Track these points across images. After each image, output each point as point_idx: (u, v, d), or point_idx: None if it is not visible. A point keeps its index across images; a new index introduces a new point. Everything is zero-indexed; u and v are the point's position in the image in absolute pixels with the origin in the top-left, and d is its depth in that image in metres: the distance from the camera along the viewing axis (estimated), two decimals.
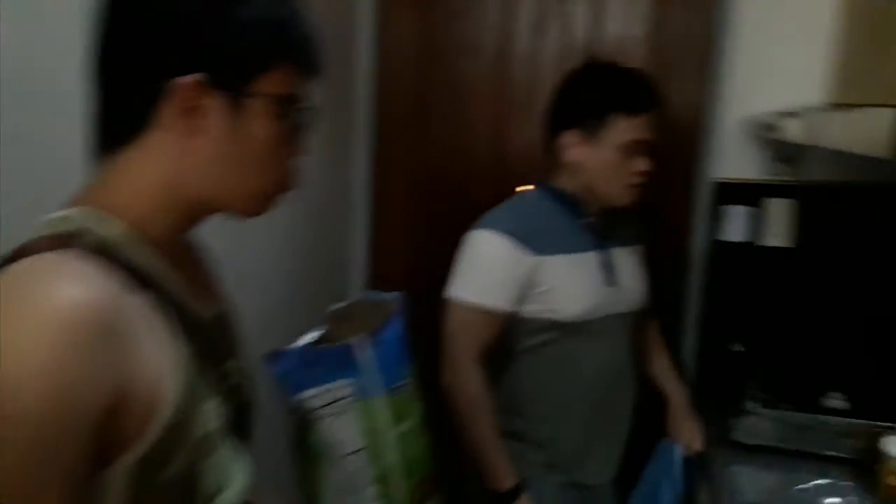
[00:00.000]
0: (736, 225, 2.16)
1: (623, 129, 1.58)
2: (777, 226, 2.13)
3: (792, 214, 2.12)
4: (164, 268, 0.79)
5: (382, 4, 2.41)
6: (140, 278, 0.74)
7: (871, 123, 1.33)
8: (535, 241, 1.61)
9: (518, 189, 1.78)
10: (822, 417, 1.77)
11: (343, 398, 1.09)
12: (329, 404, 1.09)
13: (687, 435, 1.83)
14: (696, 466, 1.79)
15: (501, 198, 1.75)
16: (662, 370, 1.92)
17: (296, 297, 2.02)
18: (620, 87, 1.61)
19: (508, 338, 1.67)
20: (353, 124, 2.45)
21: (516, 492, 1.61)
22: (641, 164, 1.60)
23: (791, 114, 1.67)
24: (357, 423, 1.10)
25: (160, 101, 0.76)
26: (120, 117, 0.79)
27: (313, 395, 1.09)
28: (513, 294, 1.61)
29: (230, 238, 1.54)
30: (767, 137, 1.99)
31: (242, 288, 1.62)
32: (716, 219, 2.17)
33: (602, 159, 1.60)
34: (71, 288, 0.65)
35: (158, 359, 0.72)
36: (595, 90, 1.61)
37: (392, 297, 1.23)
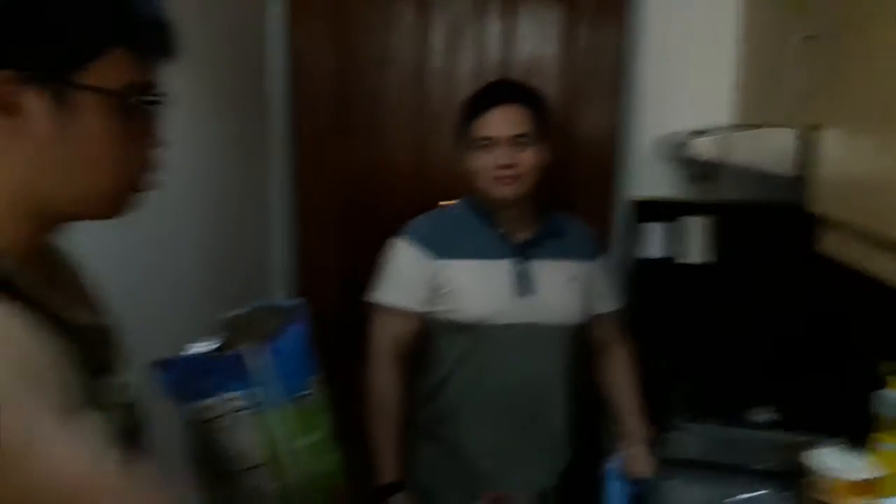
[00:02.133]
0: (655, 242, 2.19)
1: (474, 130, 1.70)
2: (695, 242, 2.17)
3: (708, 231, 2.17)
4: (26, 276, 0.73)
5: (293, 12, 2.39)
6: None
7: (774, 143, 1.38)
8: (440, 246, 1.74)
9: (441, 203, 1.92)
10: (748, 431, 1.79)
11: (236, 409, 1.02)
12: (221, 416, 1.02)
13: (636, 462, 1.84)
14: (643, 492, 1.80)
15: (424, 207, 1.86)
16: (622, 398, 1.91)
17: (206, 309, 1.96)
18: (473, 96, 1.77)
19: (430, 344, 1.79)
20: (268, 134, 2.42)
21: (395, 488, 1.72)
22: (499, 157, 1.68)
23: (701, 133, 1.71)
24: (254, 436, 1.03)
25: None
26: None
27: (205, 406, 1.02)
28: (419, 295, 1.74)
29: (128, 251, 1.49)
30: (680, 156, 2.03)
31: (141, 300, 1.57)
32: (635, 237, 2.20)
33: (471, 160, 1.72)
34: None
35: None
36: (462, 107, 1.77)
37: (293, 304, 1.16)
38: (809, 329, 2.07)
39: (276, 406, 1.04)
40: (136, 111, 0.77)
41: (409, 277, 1.75)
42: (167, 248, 1.79)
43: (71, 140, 0.73)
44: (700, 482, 1.71)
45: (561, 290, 1.78)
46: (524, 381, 1.75)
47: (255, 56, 2.33)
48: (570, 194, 2.32)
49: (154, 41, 0.78)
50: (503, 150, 1.68)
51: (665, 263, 2.19)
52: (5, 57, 0.69)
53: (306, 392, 1.08)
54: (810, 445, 1.55)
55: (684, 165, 2.14)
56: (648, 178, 2.19)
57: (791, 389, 1.91)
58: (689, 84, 2.12)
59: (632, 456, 1.84)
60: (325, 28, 2.40)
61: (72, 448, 0.67)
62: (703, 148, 1.52)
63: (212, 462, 1.05)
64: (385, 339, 1.76)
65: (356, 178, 2.46)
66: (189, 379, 1.03)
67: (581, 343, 1.86)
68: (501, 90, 1.77)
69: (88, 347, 0.79)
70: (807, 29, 1.40)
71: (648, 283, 2.21)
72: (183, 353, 1.06)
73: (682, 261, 2.18)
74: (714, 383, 1.98)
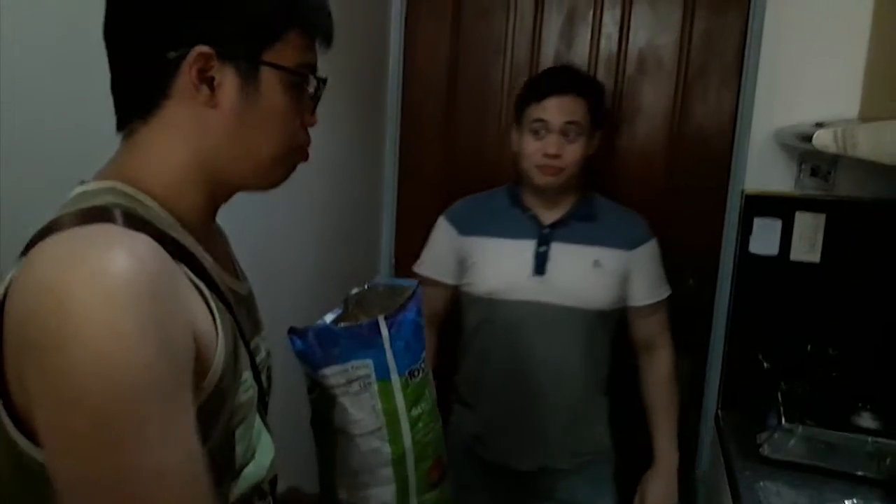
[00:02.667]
0: (766, 238, 2.13)
1: (528, 114, 1.79)
2: (807, 240, 2.09)
3: (822, 229, 2.09)
4: (195, 243, 0.79)
5: (411, 10, 2.45)
6: (177, 253, 0.73)
7: None
8: (470, 224, 1.91)
9: None
10: (851, 436, 1.73)
11: (361, 377, 1.09)
12: (347, 383, 1.09)
13: (657, 498, 1.88)
14: None
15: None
16: (655, 414, 1.94)
17: (325, 286, 2.08)
18: (532, 80, 1.91)
19: (462, 314, 1.96)
20: (382, 126, 2.49)
21: None
22: (548, 146, 1.75)
23: (823, 125, 1.65)
24: (374, 403, 1.10)
25: (172, 75, 0.76)
26: (134, 93, 0.79)
27: (332, 374, 1.09)
28: (449, 268, 1.93)
29: (260, 224, 1.59)
30: (799, 149, 1.96)
31: (271, 271, 1.68)
32: (746, 231, 2.14)
33: (521, 143, 1.81)
34: (121, 248, 0.64)
35: (207, 320, 0.72)
36: (524, 86, 1.89)
37: (408, 283, 1.23)
38: None
39: (396, 377, 1.11)
40: (302, 89, 0.84)
41: (441, 252, 1.95)
42: (294, 230, 1.91)
43: (253, 112, 0.80)
44: (799, 486, 1.67)
45: (580, 273, 1.82)
46: (533, 360, 1.83)
47: (377, 52, 2.40)
48: (683, 184, 2.27)
49: (321, 26, 0.85)
50: (553, 138, 1.75)
51: (775, 260, 2.12)
52: (204, 34, 0.76)
53: (419, 365, 1.15)
54: None
55: (804, 159, 2.06)
56: (765, 172, 2.12)
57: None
58: (814, 74, 2.03)
59: (650, 492, 1.88)
60: (441, 18, 2.42)
61: (177, 446, 0.64)
62: (825, 140, 1.46)
63: (334, 425, 1.12)
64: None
65: (460, 168, 2.48)
66: (321, 347, 1.10)
67: (614, 333, 1.92)
68: (561, 78, 1.84)
69: (244, 315, 0.85)
70: None
71: (757, 280, 2.14)
72: (316, 324, 1.14)
73: (792, 258, 2.11)
74: (819, 385, 1.91)
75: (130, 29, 0.78)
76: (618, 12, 2.29)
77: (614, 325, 1.91)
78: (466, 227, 1.91)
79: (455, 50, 2.43)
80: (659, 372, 1.94)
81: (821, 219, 2.09)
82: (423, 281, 1.86)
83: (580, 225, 1.85)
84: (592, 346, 1.86)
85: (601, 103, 1.85)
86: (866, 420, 1.76)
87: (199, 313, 0.71)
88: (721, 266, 2.24)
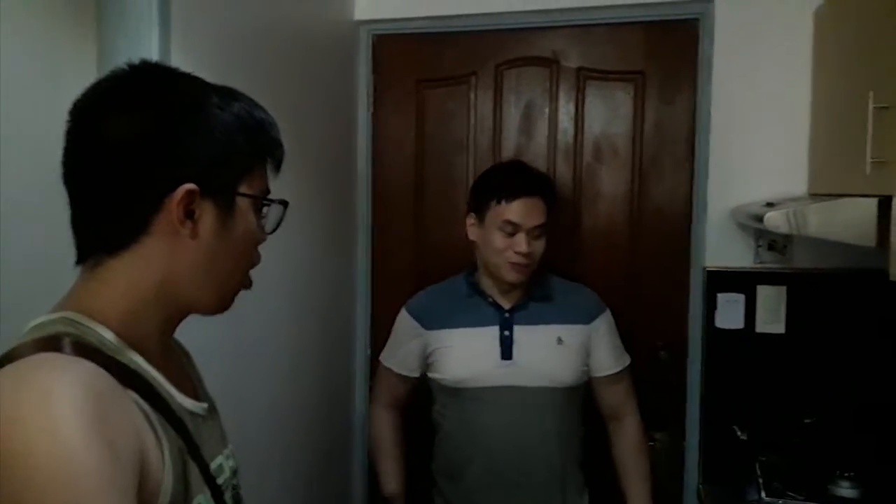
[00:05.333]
0: (730, 312, 2.19)
1: (498, 212, 1.86)
2: (770, 312, 2.16)
3: (784, 301, 2.16)
4: (149, 367, 0.82)
5: (376, 110, 2.54)
6: (125, 378, 0.76)
7: (852, 213, 1.39)
8: (432, 317, 1.97)
9: None
10: None
11: None
12: None
13: None
14: None
15: None
16: (629, 484, 1.98)
17: (299, 381, 2.14)
18: (499, 177, 1.95)
19: (432, 400, 2.02)
20: (354, 219, 2.55)
21: (388, 501, 2.02)
22: (519, 245, 1.83)
23: (774, 205, 1.73)
24: None
25: (155, 213, 0.81)
26: (115, 227, 0.82)
27: None
28: (413, 363, 2.01)
29: (232, 332, 1.60)
30: (754, 227, 2.04)
31: (244, 382, 1.67)
32: (711, 306, 2.21)
33: (487, 238, 1.88)
34: (65, 373, 0.68)
35: (154, 446, 0.75)
36: (484, 181, 1.98)
37: None
38: (891, 397, 2.02)
39: None
40: (265, 214, 0.91)
41: (404, 346, 2.02)
42: (268, 332, 1.93)
43: (228, 239, 0.86)
44: None
45: (546, 353, 1.89)
46: (513, 444, 1.86)
47: (345, 153, 2.48)
48: (647, 264, 2.34)
49: (278, 157, 0.92)
50: (522, 238, 1.84)
51: (742, 333, 2.18)
52: (188, 174, 0.81)
53: None
54: None
55: (760, 234, 2.15)
56: (725, 248, 2.21)
57: (874, 462, 1.86)
58: (763, 154, 2.14)
59: None
60: (407, 121, 2.52)
61: None
62: (777, 221, 1.54)
63: None
64: (383, 391, 2.10)
65: (431, 259, 2.50)
66: None
67: (582, 407, 1.98)
68: (525, 180, 1.93)
69: (200, 435, 0.87)
70: (879, 99, 1.43)
71: (726, 354, 2.20)
72: None
73: (758, 330, 2.17)
74: (796, 455, 1.94)
75: (111, 172, 0.81)
76: (572, 106, 2.39)
77: (581, 399, 1.97)
78: (430, 321, 1.98)
79: (421, 148, 2.52)
80: (629, 440, 1.99)
81: (782, 291, 2.17)
82: (385, 368, 2.07)
83: (538, 305, 1.92)
84: (564, 423, 1.91)
85: (556, 203, 1.98)
86: (846, 489, 1.79)
87: (146, 438, 0.74)
88: (690, 341, 2.29)
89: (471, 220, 1.94)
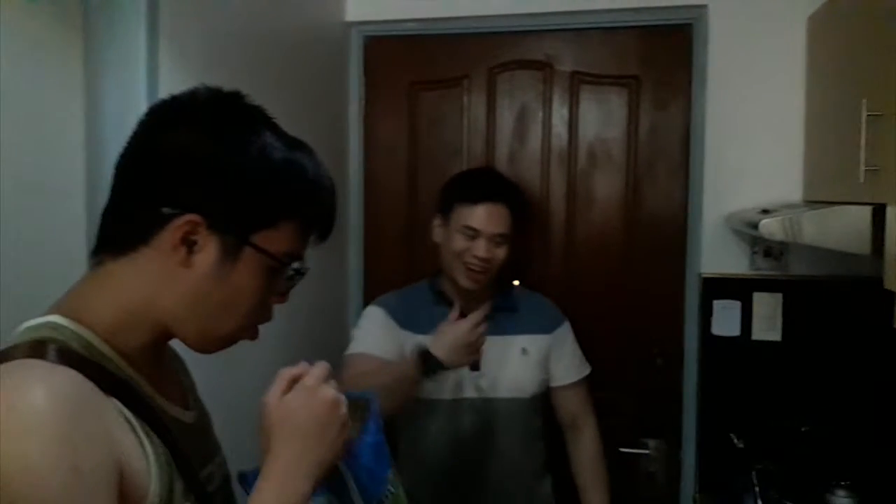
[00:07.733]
0: (726, 319, 2.18)
1: (460, 216, 1.82)
2: (766, 319, 2.15)
3: (780, 308, 2.14)
4: (134, 374, 0.80)
5: (368, 113, 2.51)
6: (108, 385, 0.75)
7: (846, 221, 1.38)
8: (404, 318, 1.87)
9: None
10: None
11: None
12: None
13: None
14: None
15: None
16: (587, 491, 1.96)
17: None
18: (465, 181, 1.94)
19: (399, 418, 1.86)
20: (346, 227, 2.52)
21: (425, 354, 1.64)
22: (478, 249, 1.80)
23: (769, 212, 1.72)
24: None
25: (158, 228, 0.79)
26: (122, 228, 0.82)
27: None
28: (390, 349, 1.79)
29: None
30: (749, 234, 2.03)
31: (235, 392, 1.65)
32: (707, 313, 2.19)
33: (448, 239, 1.85)
34: (40, 383, 0.68)
35: (138, 453, 0.74)
36: (452, 183, 1.95)
37: (363, 396, 1.12)
38: (887, 406, 2.01)
39: None
40: (282, 275, 0.85)
41: (381, 333, 1.85)
42: (259, 347, 1.86)
43: (221, 284, 0.81)
44: None
45: (511, 364, 1.88)
46: (477, 455, 1.85)
47: (337, 158, 2.45)
48: (642, 270, 2.32)
49: (323, 227, 0.88)
50: (482, 244, 1.80)
51: (738, 341, 2.16)
52: (202, 204, 0.78)
53: (386, 491, 1.06)
54: None
55: (756, 241, 2.13)
56: (720, 255, 2.19)
57: (871, 470, 1.84)
58: (757, 161, 2.13)
59: None
60: (398, 126, 2.50)
61: None
62: (772, 228, 1.53)
63: None
64: (355, 376, 1.69)
65: (422, 259, 2.46)
66: None
67: (545, 415, 1.96)
68: (493, 187, 1.89)
69: (188, 443, 0.85)
70: (872, 107, 1.42)
71: (722, 361, 2.18)
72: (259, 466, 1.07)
73: (755, 338, 2.15)
74: (792, 463, 1.92)
75: (138, 174, 0.82)
76: (565, 110, 2.38)
77: (542, 407, 1.96)
78: (405, 322, 1.87)
79: (413, 151, 2.50)
80: (587, 452, 1.98)
81: (778, 298, 2.15)
82: (356, 356, 1.79)
83: (503, 316, 1.89)
84: (530, 432, 1.92)
85: (522, 211, 1.95)
86: (842, 498, 1.77)
87: (128, 446, 0.73)
88: (686, 348, 2.27)
89: (437, 221, 1.90)
